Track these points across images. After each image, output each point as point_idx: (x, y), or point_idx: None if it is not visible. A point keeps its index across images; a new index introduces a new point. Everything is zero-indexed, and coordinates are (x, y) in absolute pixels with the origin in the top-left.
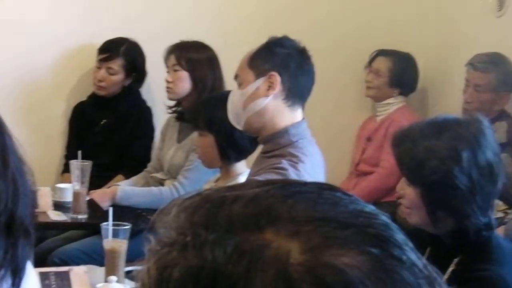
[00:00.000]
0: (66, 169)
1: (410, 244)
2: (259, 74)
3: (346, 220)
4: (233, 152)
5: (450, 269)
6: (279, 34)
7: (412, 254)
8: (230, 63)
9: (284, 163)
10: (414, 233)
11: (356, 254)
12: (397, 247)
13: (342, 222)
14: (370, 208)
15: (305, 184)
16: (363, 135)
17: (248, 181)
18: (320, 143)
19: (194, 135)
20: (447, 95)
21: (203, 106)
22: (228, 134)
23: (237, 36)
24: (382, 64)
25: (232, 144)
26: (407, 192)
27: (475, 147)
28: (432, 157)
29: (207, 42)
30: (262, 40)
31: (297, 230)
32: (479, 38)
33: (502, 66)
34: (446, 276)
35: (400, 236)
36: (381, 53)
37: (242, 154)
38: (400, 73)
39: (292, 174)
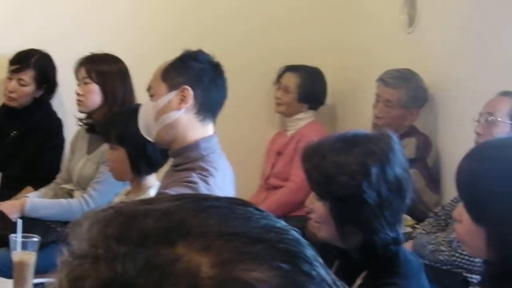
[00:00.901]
0: None
1: (320, 260)
2: (172, 87)
3: (257, 235)
4: (144, 165)
5: (358, 282)
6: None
7: (321, 270)
8: (146, 78)
9: (194, 177)
10: (322, 247)
11: (266, 269)
12: (307, 263)
13: (253, 237)
14: (282, 223)
15: (218, 198)
16: (274, 149)
17: (161, 195)
18: (231, 157)
19: (105, 147)
20: (357, 110)
21: (115, 120)
22: (140, 148)
23: (154, 51)
24: (291, 80)
25: (143, 157)
26: (316, 207)
27: (384, 163)
28: (342, 172)
29: (123, 55)
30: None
31: (208, 244)
32: (390, 53)
33: (412, 82)
34: None
35: (310, 252)
36: (289, 68)
37: (153, 167)
38: (308, 88)
39: (202, 188)
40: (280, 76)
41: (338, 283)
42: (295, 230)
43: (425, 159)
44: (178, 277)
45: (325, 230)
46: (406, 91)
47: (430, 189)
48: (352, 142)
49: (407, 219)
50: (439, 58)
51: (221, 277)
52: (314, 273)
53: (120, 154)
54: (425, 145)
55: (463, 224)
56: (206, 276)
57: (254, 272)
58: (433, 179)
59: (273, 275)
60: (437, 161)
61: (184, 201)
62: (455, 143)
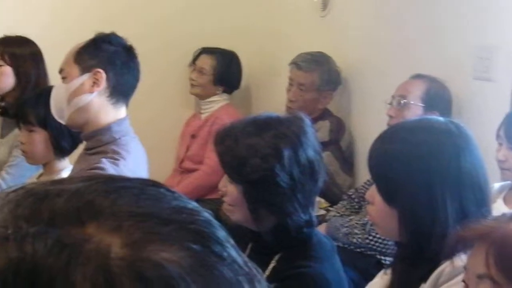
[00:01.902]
0: None
1: (232, 241)
2: (84, 70)
3: (168, 216)
4: (68, 145)
5: (271, 265)
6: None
7: (233, 251)
8: (61, 61)
9: (104, 162)
10: (236, 230)
11: (177, 250)
12: (218, 244)
13: (164, 218)
14: (193, 205)
15: (129, 179)
16: (188, 132)
17: (72, 176)
18: (145, 140)
19: (18, 130)
20: (271, 93)
21: (34, 102)
22: (62, 128)
23: (68, 34)
24: (206, 62)
25: (67, 137)
26: (229, 190)
27: (296, 145)
28: (254, 155)
29: (37, 38)
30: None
31: (118, 225)
32: (304, 37)
33: (325, 65)
34: (267, 273)
35: (221, 233)
36: (205, 51)
37: (76, 146)
38: (223, 71)
39: (112, 172)
40: (195, 58)
41: (250, 264)
42: (207, 212)
43: (338, 141)
44: (88, 257)
45: (238, 213)
46: (319, 74)
47: (343, 171)
48: (264, 125)
49: (321, 201)
50: (352, 41)
51: (132, 257)
52: (225, 254)
53: (41, 136)
54: (338, 128)
55: (376, 205)
56: (116, 256)
57: (165, 253)
58: (347, 162)
59: (184, 256)
60: (350, 143)
61: (95, 182)
62: (368, 126)
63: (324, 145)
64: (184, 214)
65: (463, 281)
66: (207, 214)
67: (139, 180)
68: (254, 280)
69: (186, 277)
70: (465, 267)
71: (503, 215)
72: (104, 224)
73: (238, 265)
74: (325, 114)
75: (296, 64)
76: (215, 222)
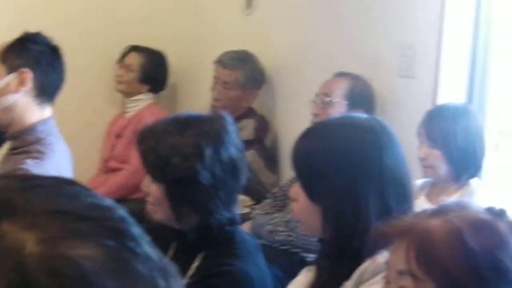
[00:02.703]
0: None
1: (146, 238)
2: (10, 69)
3: (83, 213)
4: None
5: (195, 264)
6: (29, 27)
7: (147, 247)
8: None
9: (27, 163)
10: (160, 229)
11: (92, 246)
12: (132, 240)
13: (79, 215)
14: (108, 202)
15: (45, 178)
16: (113, 131)
17: None
18: (71, 139)
19: None
20: (197, 92)
21: None
22: None
23: None
24: (134, 59)
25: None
26: (151, 189)
27: (218, 144)
28: (176, 154)
29: None
30: (12, 33)
31: (33, 222)
32: (229, 36)
33: (249, 63)
34: (191, 271)
35: (136, 230)
36: (134, 49)
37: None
38: (151, 69)
39: (35, 172)
40: (124, 56)
41: (165, 261)
42: (122, 209)
43: (263, 140)
44: (3, 254)
45: (161, 212)
46: (243, 72)
47: (268, 169)
48: (185, 123)
49: (245, 200)
50: (276, 40)
51: (46, 253)
52: (139, 250)
53: None
54: (263, 127)
55: (299, 202)
56: (31, 253)
57: (79, 249)
58: (271, 160)
59: (98, 252)
60: (274, 142)
61: (10, 180)
62: (293, 124)
63: (249, 143)
64: (99, 211)
65: (384, 277)
66: (122, 211)
67: (54, 179)
68: (168, 276)
69: (101, 272)
70: (386, 263)
71: (424, 211)
72: (18, 221)
73: (153, 261)
74: (249, 112)
75: (220, 62)
76: (129, 219)
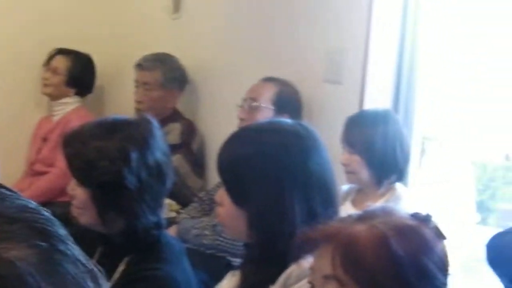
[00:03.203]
0: None
1: (71, 239)
2: None
3: (14, 215)
4: None
5: (121, 268)
6: None
7: (75, 249)
8: None
9: None
10: (85, 233)
11: (25, 248)
12: (61, 242)
13: (10, 217)
14: (33, 204)
15: None
16: (39, 134)
17: None
18: None
19: None
20: (124, 95)
21: None
22: None
23: None
24: (61, 62)
25: None
26: (77, 193)
27: (144, 148)
28: (102, 158)
29: None
30: None
31: None
32: (156, 40)
33: (168, 63)
34: (117, 275)
35: (62, 231)
36: (61, 52)
37: None
38: (77, 73)
39: None
40: (50, 58)
41: (91, 262)
42: (46, 210)
43: (189, 144)
44: None
45: (86, 216)
46: (162, 72)
47: (194, 174)
48: (112, 127)
49: (171, 204)
50: (203, 44)
51: None
52: (69, 251)
53: None
54: (190, 131)
55: (225, 207)
56: None
57: (14, 251)
58: (198, 165)
59: (32, 253)
60: (201, 146)
61: None
62: (219, 129)
63: (175, 148)
64: (28, 213)
65: (309, 282)
66: (47, 213)
67: None
68: (97, 278)
69: (36, 274)
70: (311, 268)
71: (349, 216)
72: None
73: (81, 263)
74: (175, 116)
75: (139, 65)
76: (55, 220)
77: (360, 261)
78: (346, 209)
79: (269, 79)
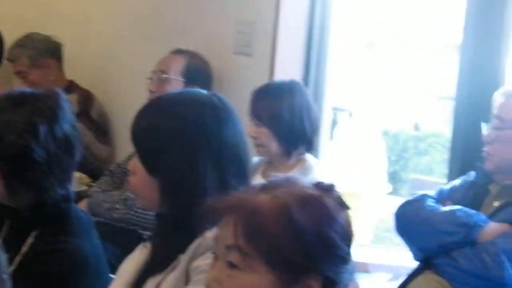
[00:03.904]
0: None
1: None
2: None
3: None
4: None
5: (29, 241)
6: None
7: None
8: None
9: None
10: None
11: None
12: None
13: None
14: None
15: None
16: None
17: None
18: None
19: None
20: None
21: None
22: None
23: None
24: None
25: None
26: None
27: (52, 121)
28: (9, 131)
29: None
30: None
31: None
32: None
33: (28, 44)
34: (25, 249)
35: None
36: None
37: None
38: None
39: None
40: None
41: None
42: None
43: (89, 112)
44: None
45: None
46: (27, 55)
47: (98, 141)
48: (19, 100)
49: (82, 177)
50: (113, 16)
51: None
52: None
53: None
54: (86, 99)
55: (137, 176)
56: None
57: None
58: (101, 131)
59: None
60: (102, 113)
61: None
62: (129, 101)
63: (75, 117)
64: None
65: (213, 252)
66: None
67: None
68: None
69: None
70: (215, 239)
71: (253, 186)
72: None
73: None
74: (72, 88)
75: (7, 59)
76: None
77: (261, 231)
78: (257, 181)
79: (178, 51)
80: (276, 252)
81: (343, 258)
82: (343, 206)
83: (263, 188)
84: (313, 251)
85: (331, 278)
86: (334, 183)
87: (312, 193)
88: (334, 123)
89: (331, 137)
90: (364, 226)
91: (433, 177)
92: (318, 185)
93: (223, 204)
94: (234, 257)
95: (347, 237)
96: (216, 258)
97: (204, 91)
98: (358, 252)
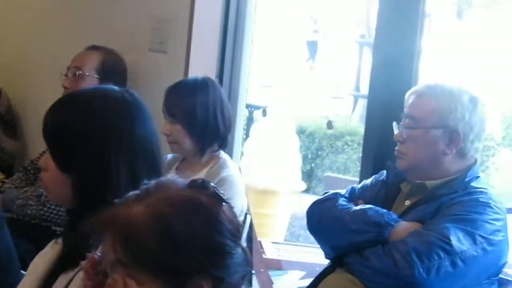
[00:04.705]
0: None
1: None
2: None
3: None
4: None
5: None
6: None
7: None
8: None
9: None
10: None
11: None
12: None
13: None
14: None
15: None
16: None
17: None
18: None
19: None
20: None
21: None
22: None
23: None
24: None
25: None
26: None
27: None
28: None
29: None
30: None
31: None
32: None
33: None
34: None
35: None
36: None
37: None
38: None
39: None
40: None
41: None
42: None
43: None
44: None
45: None
46: None
47: (6, 135)
48: None
49: None
50: (27, 11)
51: None
52: None
53: None
54: None
55: (49, 172)
56: None
57: None
58: (9, 126)
59: None
60: (10, 107)
61: None
62: (43, 97)
63: None
64: None
65: (104, 270)
66: None
67: None
68: None
69: None
70: (102, 254)
71: (128, 196)
72: None
73: None
74: None
75: None
76: None
77: (140, 243)
78: None
79: (93, 48)
80: (156, 261)
81: (230, 253)
82: (220, 200)
83: (137, 198)
84: (195, 253)
85: (221, 276)
86: (207, 180)
87: (187, 195)
88: (250, 120)
89: (247, 135)
90: (279, 224)
91: (349, 175)
92: (192, 185)
93: (100, 220)
94: (119, 272)
95: (231, 230)
96: (104, 275)
97: (116, 88)
98: (272, 249)
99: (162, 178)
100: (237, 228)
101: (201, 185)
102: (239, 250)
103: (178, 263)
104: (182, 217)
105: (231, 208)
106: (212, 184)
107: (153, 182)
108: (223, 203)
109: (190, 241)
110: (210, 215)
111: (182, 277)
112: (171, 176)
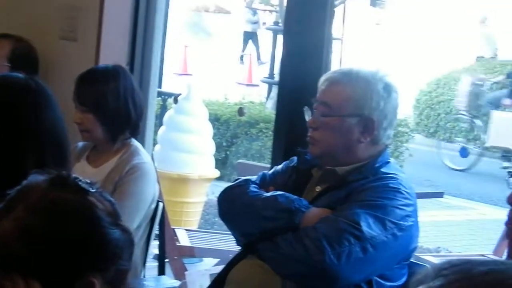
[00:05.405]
0: None
1: None
2: None
3: None
4: None
5: None
6: None
7: None
8: None
9: None
10: None
11: None
12: None
13: None
14: None
15: None
16: None
17: None
18: None
19: None
20: None
21: None
22: None
23: None
24: None
25: None
26: None
27: None
28: None
29: None
30: None
31: None
32: None
33: None
34: None
35: None
36: None
37: None
38: None
39: None
40: None
41: None
42: None
43: None
44: None
45: None
46: None
47: None
48: None
49: None
50: None
51: None
52: None
53: None
54: None
55: None
56: None
57: None
58: None
59: None
60: None
61: None
62: None
63: None
64: None
65: None
66: None
67: None
68: None
69: None
70: None
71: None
72: None
73: None
74: None
75: None
76: None
77: (11, 258)
78: (82, 167)
79: (3, 36)
80: (39, 271)
81: (111, 241)
82: (84, 191)
83: (3, 210)
84: (75, 254)
85: (108, 266)
86: (71, 174)
87: (50, 198)
88: (164, 108)
89: (161, 123)
90: (193, 211)
91: (264, 163)
92: (54, 181)
93: None
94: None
95: (105, 217)
96: None
97: (21, 75)
98: (185, 237)
99: (24, 182)
100: (112, 212)
101: (63, 181)
102: (120, 233)
103: (58, 269)
104: (50, 223)
105: (99, 192)
106: (73, 176)
107: (15, 189)
108: (89, 193)
109: (66, 244)
110: (78, 212)
111: (68, 278)
112: (33, 176)
